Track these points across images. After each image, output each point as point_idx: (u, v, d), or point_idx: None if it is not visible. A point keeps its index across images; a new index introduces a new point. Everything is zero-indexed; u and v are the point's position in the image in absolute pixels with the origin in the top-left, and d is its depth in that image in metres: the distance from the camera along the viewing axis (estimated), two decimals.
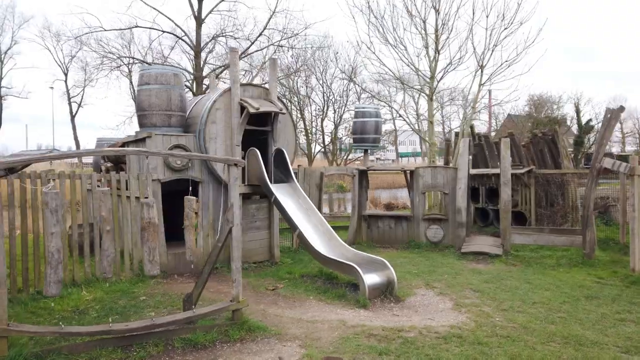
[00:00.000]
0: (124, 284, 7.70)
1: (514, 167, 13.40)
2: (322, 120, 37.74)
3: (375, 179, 26.19)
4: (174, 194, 9.50)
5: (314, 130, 38.04)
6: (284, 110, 9.11)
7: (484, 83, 13.35)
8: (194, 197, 5.20)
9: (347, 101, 34.80)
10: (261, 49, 28.84)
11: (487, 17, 12.90)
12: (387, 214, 11.89)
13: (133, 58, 28.97)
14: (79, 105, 50.23)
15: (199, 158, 7.40)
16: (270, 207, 9.44)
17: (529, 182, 13.03)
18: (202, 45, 28.63)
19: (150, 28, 28.04)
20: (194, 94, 29.45)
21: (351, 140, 32.68)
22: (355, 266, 7.00)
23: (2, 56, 48.78)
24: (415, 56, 13.49)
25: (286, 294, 7.25)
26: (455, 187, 10.90)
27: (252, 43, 27.80)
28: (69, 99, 49.93)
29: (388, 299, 6.98)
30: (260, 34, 27.55)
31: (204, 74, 29.02)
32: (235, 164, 5.30)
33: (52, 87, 64.76)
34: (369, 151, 12.27)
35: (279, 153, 9.20)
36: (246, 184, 9.00)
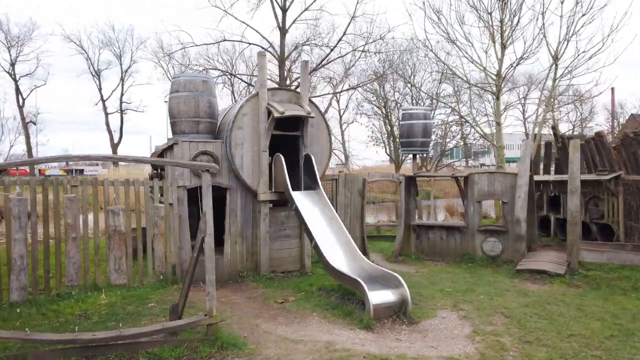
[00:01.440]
0: (145, 289, 7.76)
1: (599, 172, 11.73)
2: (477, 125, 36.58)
3: (451, 187, 24.63)
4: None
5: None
6: (313, 114, 8.70)
7: (560, 77, 11.80)
8: (162, 205, 5.00)
9: (437, 104, 33.38)
10: (342, 56, 28.66)
11: (562, 3, 11.38)
12: (439, 224, 10.92)
13: (223, 71, 30.03)
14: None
15: (168, 164, 7.32)
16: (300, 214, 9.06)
17: (617, 190, 11.28)
18: (285, 54, 29.20)
19: (237, 41, 29.00)
20: None
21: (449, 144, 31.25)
22: (360, 281, 6.38)
23: (124, 75, 53.78)
24: (483, 51, 12.28)
25: (292, 308, 6.82)
26: (514, 195, 9.70)
27: (332, 50, 27.72)
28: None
29: (400, 320, 6.27)
30: (340, 40, 27.38)
31: (288, 82, 29.56)
32: (207, 170, 5.02)
33: (165, 101, 70.28)
34: (417, 156, 11.40)
35: (307, 159, 8.81)
36: (272, 190, 8.72)
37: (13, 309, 6.57)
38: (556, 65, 11.59)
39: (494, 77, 12.09)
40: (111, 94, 50.91)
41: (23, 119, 48.24)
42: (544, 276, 8.50)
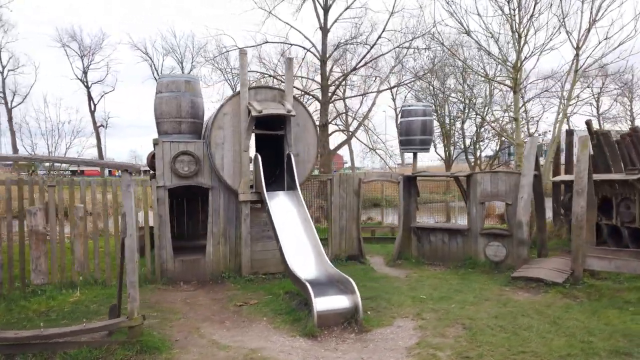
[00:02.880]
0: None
1: (628, 171, 10.63)
2: (463, 122, 35.25)
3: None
4: (188, 201, 9.57)
5: (454, 133, 35.76)
6: (294, 113, 8.47)
7: (582, 69, 10.75)
8: (82, 205, 5.01)
9: (490, 100, 31.90)
10: (383, 54, 28.07)
11: None
12: (440, 227, 10.30)
13: (262, 73, 30.27)
14: None
15: (82, 163, 7.21)
16: None
17: None
18: (327, 54, 29.10)
19: (279, 42, 29.23)
20: (320, 102, 30.05)
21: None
22: (307, 286, 6.10)
23: None
24: (495, 42, 11.47)
25: (245, 312, 6.66)
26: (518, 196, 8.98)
27: (371, 47, 27.27)
28: None
29: (351, 328, 5.94)
30: (379, 37, 26.86)
31: (329, 82, 29.41)
32: (126, 170, 4.97)
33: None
34: (417, 154, 10.83)
35: (288, 159, 8.61)
36: (254, 190, 8.60)
37: None
38: (577, 55, 10.59)
39: (511, 70, 11.25)
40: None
41: (94, 123, 51.41)
42: (540, 285, 7.77)
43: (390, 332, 5.83)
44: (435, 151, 34.87)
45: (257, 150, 10.50)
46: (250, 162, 8.76)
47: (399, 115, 10.55)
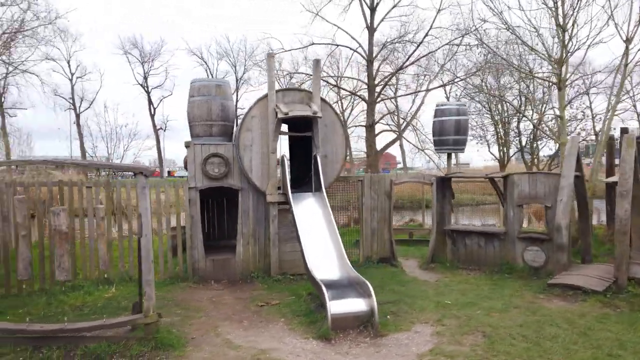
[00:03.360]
0: (157, 285, 8.15)
1: None
2: (519, 121, 33.90)
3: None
4: (219, 202, 9.76)
5: (510, 132, 34.45)
6: (320, 114, 8.46)
7: (632, 63, 10.03)
8: (102, 206, 5.23)
9: (549, 98, 30.51)
10: (431, 52, 27.49)
11: None
12: (476, 230, 9.92)
13: (307, 74, 30.35)
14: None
15: (96, 166, 7.43)
16: None
17: None
18: (374, 54, 28.92)
19: (325, 43, 29.30)
20: (367, 102, 29.90)
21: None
22: (323, 288, 6.06)
23: (238, 83, 57.28)
24: (538, 36, 10.90)
25: (265, 313, 6.72)
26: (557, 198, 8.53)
27: (419, 45, 26.78)
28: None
29: (367, 332, 5.86)
30: (426, 34, 26.35)
31: (376, 82, 29.20)
32: (141, 172, 5.15)
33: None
34: (452, 155, 10.49)
35: (315, 160, 8.61)
36: (281, 192, 8.67)
37: (30, 297, 7.38)
38: (627, 49, 9.90)
39: (555, 66, 10.70)
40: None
41: (154, 126, 53.62)
42: (577, 293, 7.35)
43: (406, 338, 5.69)
44: (489, 151, 33.72)
45: (290, 152, 10.63)
46: (278, 164, 8.82)
47: (433, 115, 10.26)
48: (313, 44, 29.37)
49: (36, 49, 20.63)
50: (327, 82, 29.64)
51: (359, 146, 38.10)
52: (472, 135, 35.19)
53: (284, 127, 10.46)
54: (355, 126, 34.40)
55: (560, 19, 10.56)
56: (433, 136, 10.13)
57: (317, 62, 9.00)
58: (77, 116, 50.47)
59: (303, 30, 45.91)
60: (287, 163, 8.49)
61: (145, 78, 55.46)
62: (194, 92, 9.04)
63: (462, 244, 9.86)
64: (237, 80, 55.65)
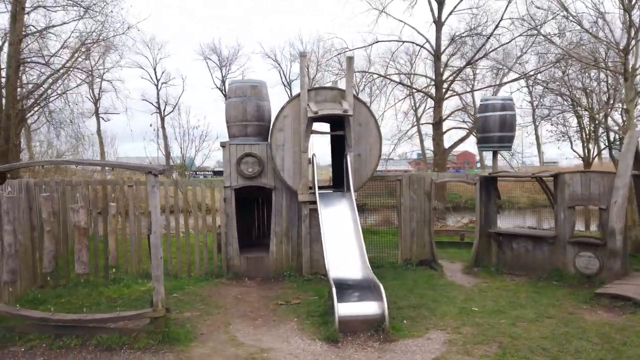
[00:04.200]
0: (190, 280, 8.50)
1: None
2: (606, 116, 31.33)
3: None
4: (253, 200, 9.89)
5: (597, 128, 31.93)
6: (350, 112, 8.32)
7: None
8: (114, 204, 5.49)
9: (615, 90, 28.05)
10: (502, 45, 26.14)
11: None
12: (523, 233, 9.22)
13: (379, 74, 29.91)
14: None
15: (106, 165, 7.55)
16: None
17: None
18: (441, 49, 28.10)
19: (390, 40, 28.91)
20: (433, 99, 29.08)
21: None
22: (333, 289, 5.95)
23: (311, 82, 58.05)
24: (602, 22, 9.95)
25: (281, 311, 6.73)
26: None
27: (488, 38, 25.63)
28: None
29: (377, 337, 5.68)
30: (497, 26, 25.12)
31: (444, 77, 28.35)
32: (150, 172, 5.34)
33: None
34: (498, 153, 9.83)
35: (345, 160, 8.49)
36: (312, 191, 8.63)
37: (76, 288, 7.93)
38: None
39: (621, 54, 9.74)
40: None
41: None
42: (627, 304, 6.64)
43: (415, 344, 5.44)
44: (572, 149, 31.46)
45: (332, 151, 10.58)
46: (310, 163, 8.79)
47: (477, 110, 9.72)
48: (377, 41, 29.04)
49: (123, 58, 22.19)
50: (391, 79, 29.20)
51: (427, 144, 37.07)
52: (552, 131, 32.95)
53: (325, 127, 10.45)
54: (422, 124, 33.55)
55: (626, 1, 9.60)
56: (477, 133, 9.59)
57: (349, 59, 8.86)
58: (162, 119, 53.61)
59: (367, 28, 45.49)
60: (315, 162, 8.42)
61: (223, 82, 57.72)
62: (230, 93, 9.26)
63: (508, 247, 9.27)
64: (310, 81, 56.32)
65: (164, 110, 54.75)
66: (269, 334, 5.83)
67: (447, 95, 29.22)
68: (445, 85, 28.21)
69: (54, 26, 16.38)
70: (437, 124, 28.14)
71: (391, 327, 5.81)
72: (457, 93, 30.95)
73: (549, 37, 20.95)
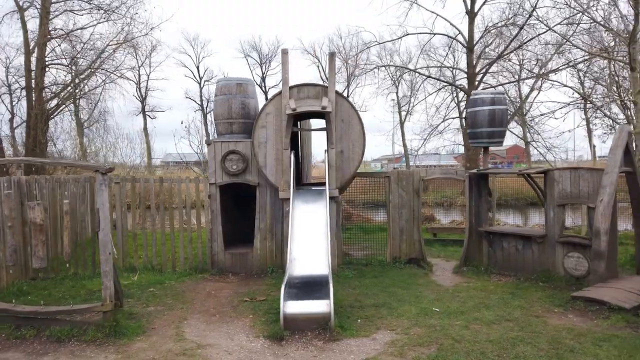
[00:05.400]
0: (173, 275, 8.72)
1: None
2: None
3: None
4: (241, 197, 9.98)
5: None
6: (329, 109, 8.25)
7: None
8: (67, 201, 5.71)
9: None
10: (538, 35, 25.01)
11: None
12: (513, 232, 8.83)
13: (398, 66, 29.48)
14: (407, 114, 54.51)
15: (56, 164, 7.69)
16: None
17: None
18: (474, 41, 27.33)
19: (420, 33, 28.32)
20: (466, 93, 28.35)
21: None
22: (282, 288, 5.95)
23: (349, 78, 57.81)
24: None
25: (242, 308, 6.78)
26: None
27: (521, 28, 24.61)
28: (399, 108, 54.88)
29: (324, 334, 5.66)
30: (530, 16, 24.07)
31: (477, 70, 27.57)
32: (97, 170, 5.53)
33: (393, 100, 72.48)
34: (489, 149, 9.42)
35: (326, 156, 8.44)
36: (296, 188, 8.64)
37: (62, 281, 8.30)
38: None
39: (626, 43, 9.12)
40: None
41: None
42: (602, 309, 6.28)
43: (357, 344, 5.37)
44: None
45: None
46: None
47: (467, 105, 9.41)
48: (407, 34, 28.49)
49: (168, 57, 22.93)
50: (420, 72, 28.64)
51: (458, 139, 36.11)
52: (596, 124, 31.22)
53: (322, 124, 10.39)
54: (453, 118, 32.71)
55: None
56: (467, 128, 9.27)
57: (332, 55, 8.79)
58: (204, 116, 54.97)
59: (396, 21, 44.56)
60: (292, 159, 8.43)
61: (263, 79, 58.44)
62: (217, 91, 9.39)
63: (499, 247, 8.94)
64: (348, 77, 56.05)
65: (206, 108, 56.12)
66: (218, 330, 5.90)
67: (480, 88, 28.41)
68: (478, 78, 27.40)
69: (78, 29, 17.08)
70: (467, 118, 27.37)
71: (339, 326, 5.78)
72: (491, 86, 29.99)
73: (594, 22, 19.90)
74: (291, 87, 8.73)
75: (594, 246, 7.18)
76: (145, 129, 50.56)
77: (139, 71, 53.99)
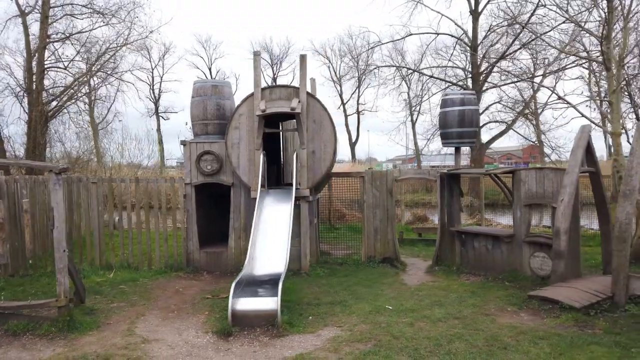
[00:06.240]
0: (148, 273, 8.92)
1: None
2: None
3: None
4: (219, 197, 10.15)
5: None
6: (298, 110, 8.38)
7: None
8: (27, 200, 5.94)
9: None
10: (541, 34, 24.75)
11: None
12: (483, 232, 8.83)
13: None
14: (419, 113, 54.45)
15: (14, 164, 7.85)
16: (298, 213, 8.82)
17: None
18: (478, 40, 27.24)
19: (424, 33, 28.29)
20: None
21: None
22: (233, 285, 6.10)
23: (361, 77, 57.80)
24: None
25: (201, 305, 6.95)
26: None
27: (523, 27, 24.32)
28: (411, 108, 54.86)
29: (271, 331, 5.78)
30: (532, 14, 23.85)
31: (481, 70, 27.45)
32: (51, 170, 5.74)
33: (405, 100, 72.24)
34: (461, 149, 9.42)
35: (296, 157, 8.58)
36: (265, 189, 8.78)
37: (42, 278, 8.57)
38: None
39: (601, 40, 9.05)
40: (350, 97, 54.78)
41: None
42: (554, 308, 6.30)
43: (300, 340, 5.49)
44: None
45: None
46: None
47: (439, 105, 9.45)
48: (411, 34, 28.52)
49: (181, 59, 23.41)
50: (422, 73, 28.61)
51: None
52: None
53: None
54: None
55: None
56: (439, 128, 9.30)
57: (302, 57, 8.91)
58: None
59: (400, 21, 44.24)
60: (263, 160, 8.58)
61: (274, 79, 58.75)
62: (194, 92, 9.58)
63: (470, 246, 8.96)
64: (359, 77, 56.04)
65: None
66: (170, 326, 6.07)
67: (484, 88, 28.25)
68: (481, 78, 27.27)
69: (77, 33, 17.47)
70: None
71: (288, 322, 5.90)
72: (495, 85, 29.76)
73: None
74: (264, 89, 8.89)
75: (554, 246, 7.17)
76: (158, 130, 51.25)
77: (152, 73, 54.94)
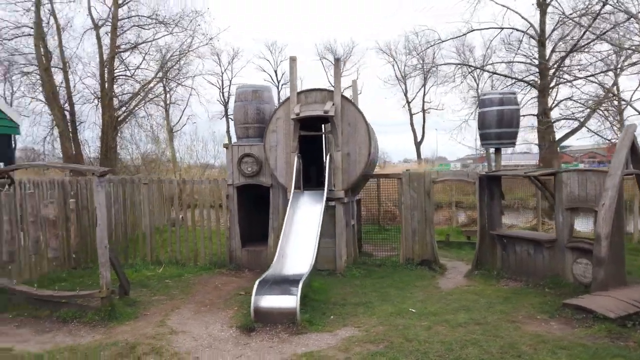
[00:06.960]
0: (193, 269, 9.45)
1: None
2: None
3: None
4: (260, 198, 10.49)
5: None
6: (331, 112, 8.53)
7: None
8: (73, 200, 6.52)
9: None
10: (616, 25, 23.24)
11: None
12: (524, 236, 8.46)
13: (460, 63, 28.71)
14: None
15: (61, 168, 8.30)
16: (333, 214, 8.98)
17: None
18: (546, 34, 26.03)
19: (486, 28, 27.43)
20: (536, 89, 27.02)
21: None
22: (256, 283, 6.36)
23: (426, 75, 56.88)
24: None
25: (233, 300, 7.29)
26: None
27: (596, 17, 22.93)
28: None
29: (292, 328, 6.00)
30: (605, 4, 22.38)
31: (551, 63, 26.21)
32: (93, 173, 6.28)
33: (474, 97, 70.06)
34: (501, 150, 9.05)
35: (329, 159, 8.75)
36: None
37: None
38: None
39: None
40: (415, 95, 54.08)
41: None
42: (588, 317, 6.01)
43: (316, 339, 5.65)
44: None
45: None
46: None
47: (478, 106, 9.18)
48: (472, 30, 27.71)
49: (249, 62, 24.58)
50: (485, 69, 27.66)
51: (532, 137, 34.17)
52: None
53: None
54: (524, 115, 31.08)
55: None
56: (478, 129, 9.05)
57: (337, 60, 9.09)
58: None
59: (462, 17, 42.90)
60: (296, 162, 8.80)
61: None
62: (236, 97, 10.01)
63: (512, 251, 8.67)
64: (424, 75, 55.08)
65: None
66: (199, 320, 6.43)
67: (553, 84, 26.92)
68: (550, 73, 26.02)
69: (142, 43, 18.64)
70: (542, 115, 26.04)
71: (308, 320, 6.08)
72: (566, 80, 28.24)
73: None
74: (299, 93, 9.11)
75: (594, 252, 6.82)
76: (227, 131, 53.16)
77: (222, 77, 57.19)
